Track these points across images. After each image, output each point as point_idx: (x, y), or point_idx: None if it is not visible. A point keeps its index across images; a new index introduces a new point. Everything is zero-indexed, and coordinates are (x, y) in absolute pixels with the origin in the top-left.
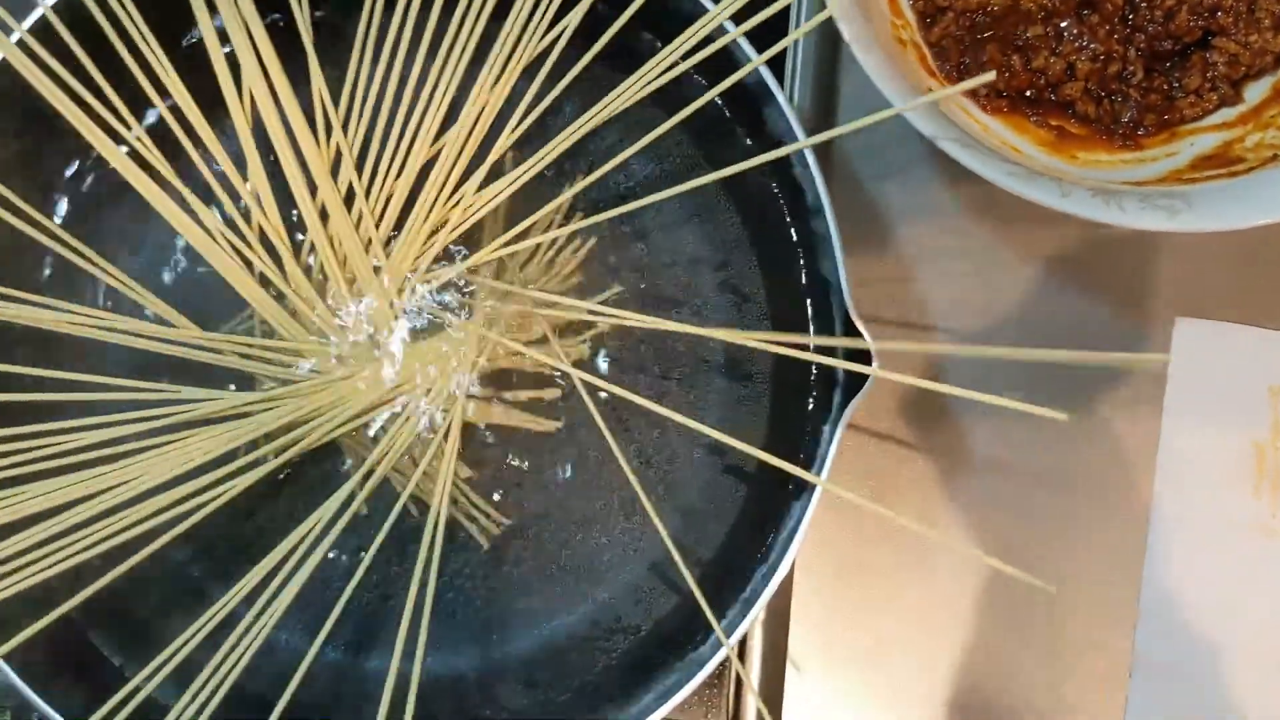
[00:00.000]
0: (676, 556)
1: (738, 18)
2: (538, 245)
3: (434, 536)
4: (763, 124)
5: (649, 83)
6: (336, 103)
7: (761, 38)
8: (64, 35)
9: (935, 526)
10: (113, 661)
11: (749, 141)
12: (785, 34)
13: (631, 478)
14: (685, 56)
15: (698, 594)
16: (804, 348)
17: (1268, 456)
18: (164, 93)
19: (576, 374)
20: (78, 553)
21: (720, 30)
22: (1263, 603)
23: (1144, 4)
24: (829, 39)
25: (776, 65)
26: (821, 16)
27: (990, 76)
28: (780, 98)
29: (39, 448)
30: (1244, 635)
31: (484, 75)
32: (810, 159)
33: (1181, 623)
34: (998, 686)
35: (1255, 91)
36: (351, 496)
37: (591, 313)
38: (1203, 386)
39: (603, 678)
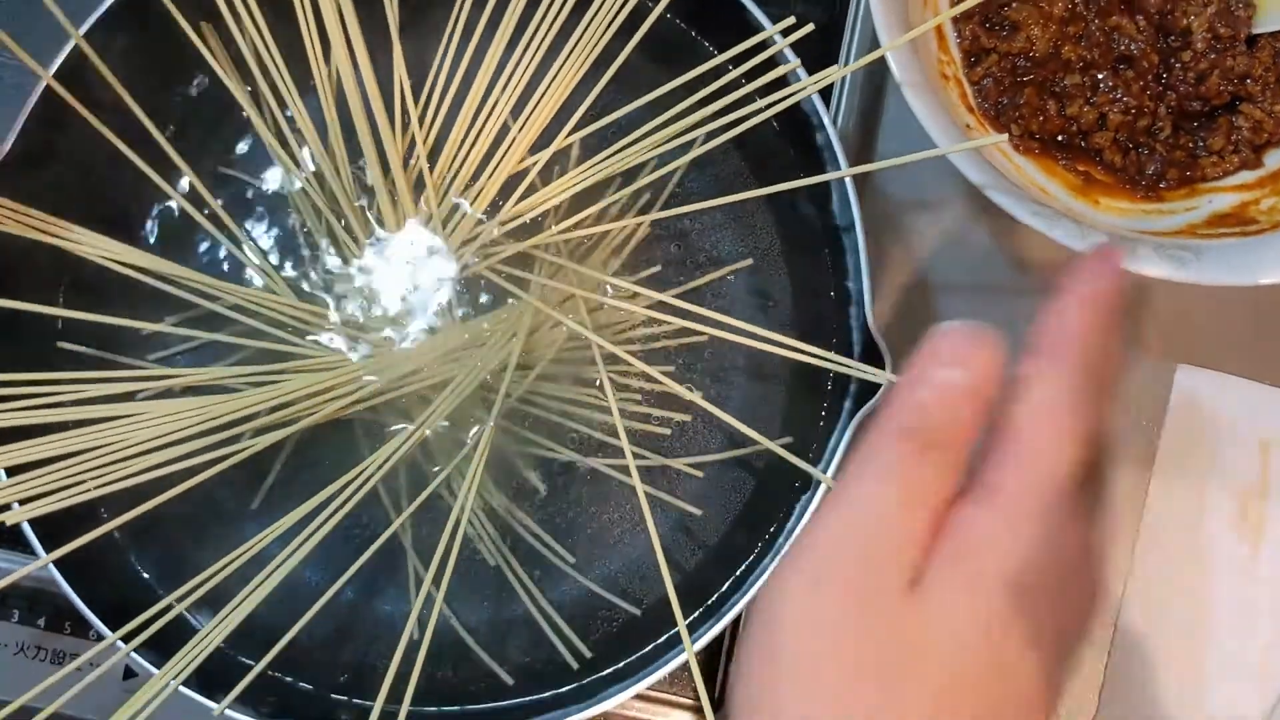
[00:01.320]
0: (659, 554)
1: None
2: (595, 234)
3: (459, 519)
4: (808, 145)
5: (720, 124)
6: (418, 85)
7: (813, 58)
8: None
9: None
10: (149, 581)
11: (793, 154)
12: (835, 54)
13: (636, 481)
14: (748, 79)
15: (669, 587)
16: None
17: (1253, 507)
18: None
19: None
20: (124, 478)
21: (778, 54)
22: (1235, 641)
23: (1178, 65)
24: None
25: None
26: (874, 55)
27: (1003, 138)
28: (828, 124)
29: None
30: (1215, 669)
31: (556, 65)
32: (848, 183)
33: (1154, 649)
34: None
35: (1275, 158)
36: (386, 462)
37: (649, 303)
38: (1197, 432)
39: (602, 645)
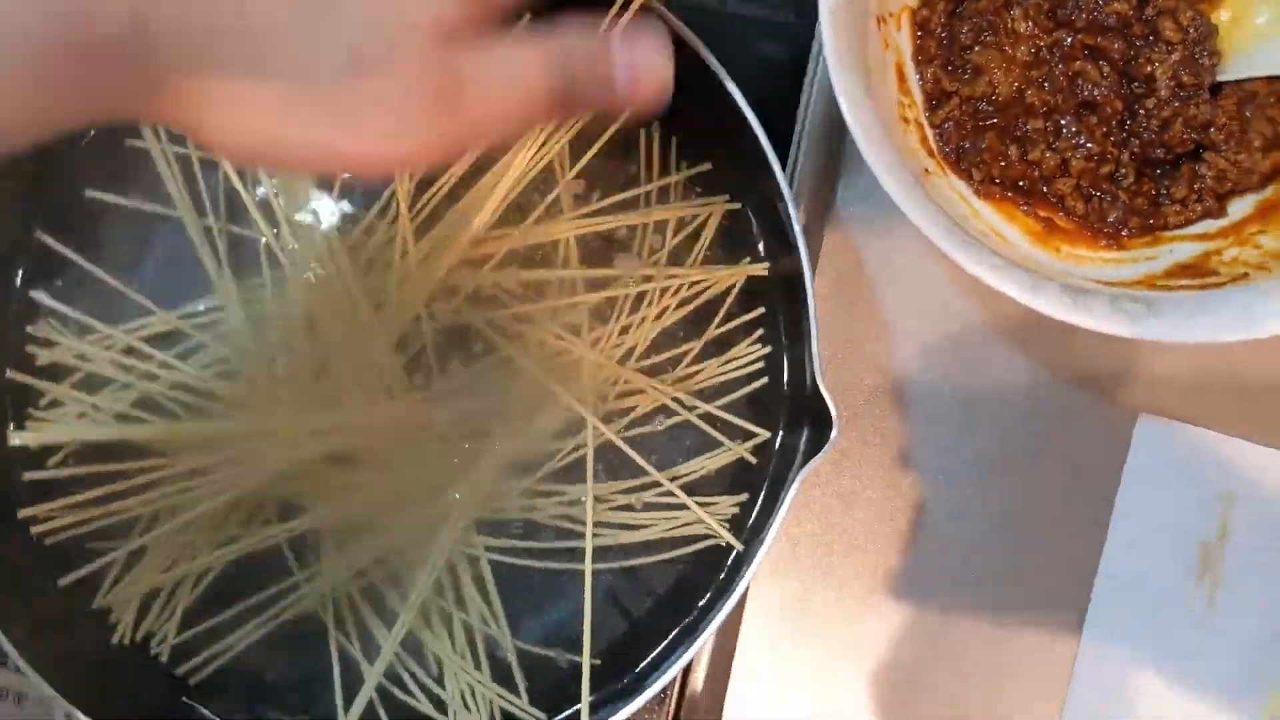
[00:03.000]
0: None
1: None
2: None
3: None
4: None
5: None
6: None
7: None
8: None
9: (876, 581)
10: None
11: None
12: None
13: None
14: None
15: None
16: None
17: (1212, 556)
18: None
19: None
20: None
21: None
22: (1188, 689)
23: (1141, 112)
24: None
25: (787, 117)
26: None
27: None
28: (791, 204)
29: None
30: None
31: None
32: (802, 247)
33: (1108, 695)
34: None
35: (1239, 207)
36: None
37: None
38: (1156, 482)
39: (554, 689)
